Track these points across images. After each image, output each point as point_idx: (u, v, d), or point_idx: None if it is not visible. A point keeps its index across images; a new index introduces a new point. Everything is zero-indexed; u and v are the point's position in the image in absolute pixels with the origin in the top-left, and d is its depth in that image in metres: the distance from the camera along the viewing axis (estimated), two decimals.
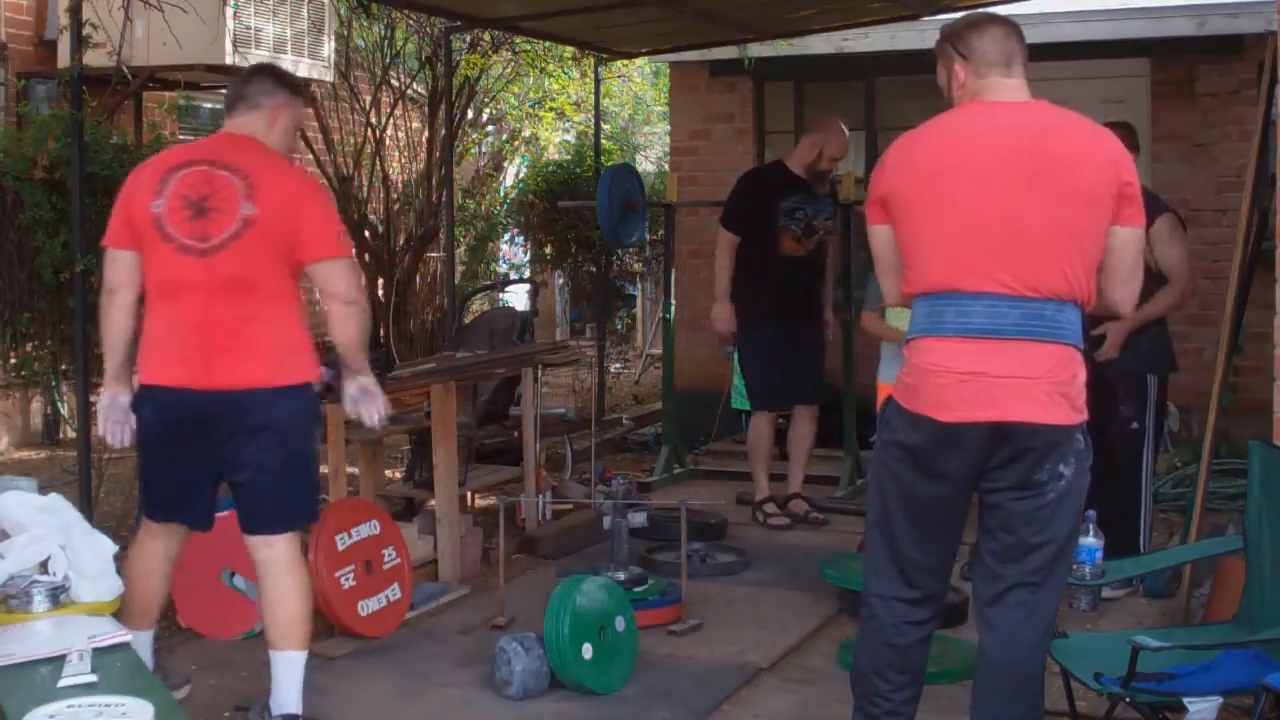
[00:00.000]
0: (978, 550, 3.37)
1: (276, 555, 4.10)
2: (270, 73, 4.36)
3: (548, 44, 10.57)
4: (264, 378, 4.00)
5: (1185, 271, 5.53)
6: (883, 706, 3.39)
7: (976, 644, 3.38)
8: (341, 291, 4.06)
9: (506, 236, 13.84)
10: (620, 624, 4.56)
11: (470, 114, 11.83)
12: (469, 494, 6.45)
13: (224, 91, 9.91)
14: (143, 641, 4.18)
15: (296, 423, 4.08)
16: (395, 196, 11.24)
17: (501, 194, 13.65)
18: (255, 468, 4.04)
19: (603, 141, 11.54)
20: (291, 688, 4.07)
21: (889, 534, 3.34)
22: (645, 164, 16.21)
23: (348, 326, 4.09)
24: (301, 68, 9.16)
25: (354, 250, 11.26)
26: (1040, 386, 3.13)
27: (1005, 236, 3.13)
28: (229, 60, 8.27)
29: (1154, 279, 5.52)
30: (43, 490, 3.06)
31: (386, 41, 10.88)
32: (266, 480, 4.06)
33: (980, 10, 3.46)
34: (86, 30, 5.50)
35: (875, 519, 3.39)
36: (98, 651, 2.56)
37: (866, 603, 3.43)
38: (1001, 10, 8.08)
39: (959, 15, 3.55)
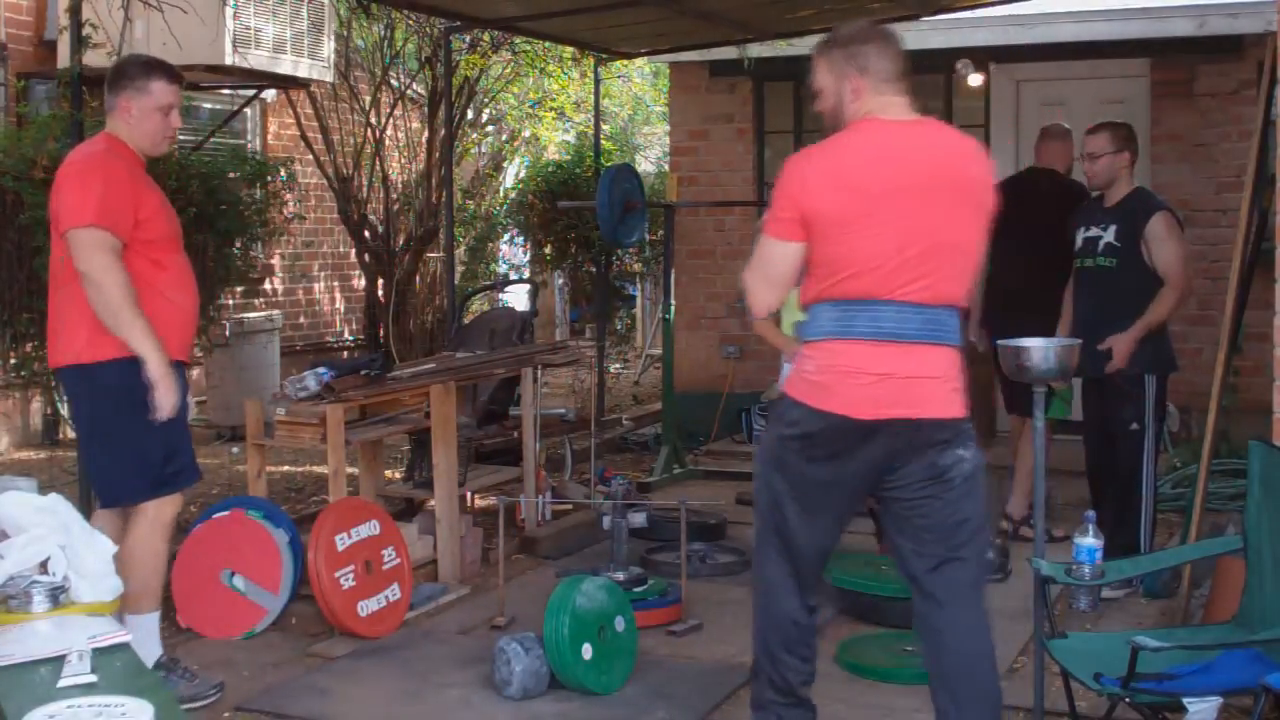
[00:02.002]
0: (900, 549, 3.52)
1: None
2: (112, 72, 4.45)
3: (548, 44, 10.57)
4: (71, 355, 4.28)
5: (1181, 270, 5.52)
6: (798, 678, 3.61)
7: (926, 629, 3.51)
8: (77, 263, 4.17)
9: (506, 237, 13.85)
10: (620, 624, 4.56)
11: (470, 114, 11.83)
12: (469, 494, 6.45)
13: (225, 92, 10.03)
14: (157, 621, 4.42)
15: (93, 400, 4.30)
16: (395, 196, 11.24)
17: (501, 194, 13.65)
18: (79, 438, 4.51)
19: (602, 141, 11.54)
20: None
21: (781, 523, 3.52)
22: (645, 164, 16.23)
23: (94, 304, 4.16)
24: (301, 68, 9.17)
25: (355, 251, 11.29)
26: (943, 385, 3.40)
27: (929, 252, 3.34)
28: (229, 60, 8.27)
29: (1154, 278, 5.52)
30: (43, 490, 3.06)
31: (386, 41, 10.89)
32: (80, 449, 4.47)
33: (856, 25, 3.61)
34: (86, 30, 5.50)
35: (766, 509, 3.57)
36: (98, 651, 2.56)
37: (763, 590, 3.61)
38: (1002, 11, 8.14)
39: (853, 24, 3.60)
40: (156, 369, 4.16)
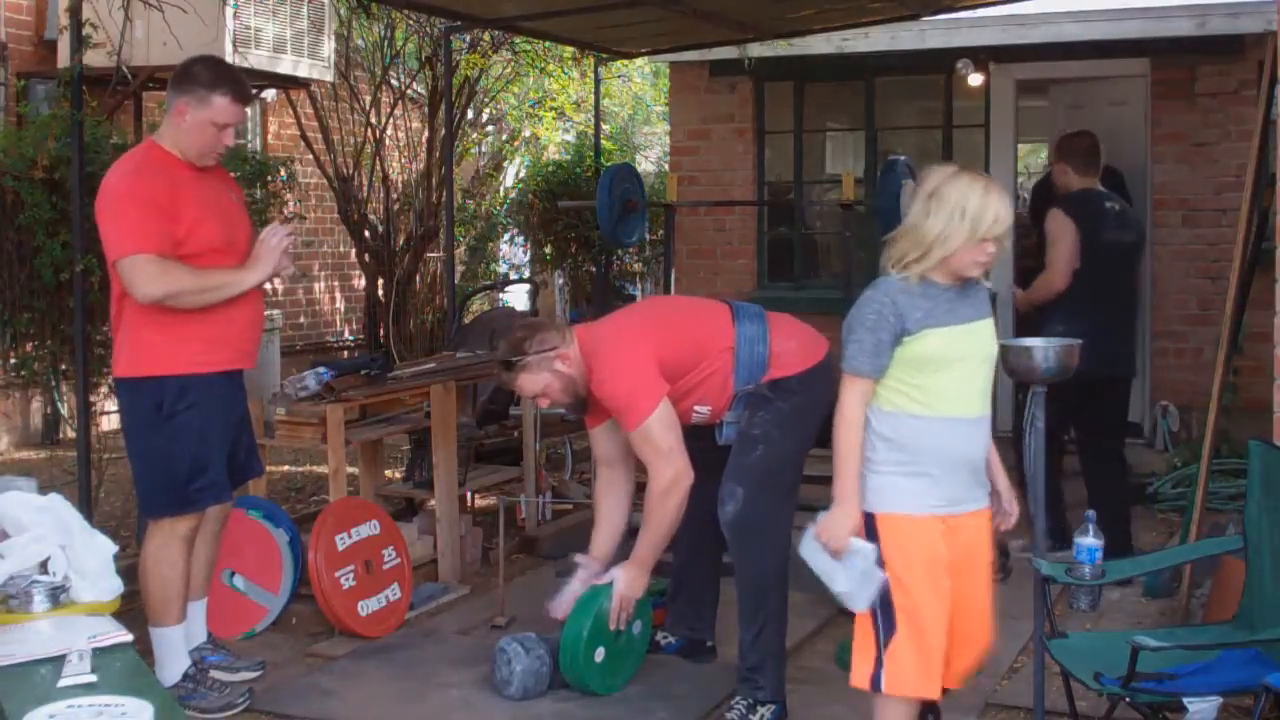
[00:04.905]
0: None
1: None
2: (180, 69, 4.36)
3: (548, 44, 10.57)
4: (118, 370, 4.36)
5: (1054, 260, 5.72)
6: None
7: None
8: (135, 294, 4.17)
9: (506, 236, 13.83)
10: (637, 628, 4.54)
11: (470, 114, 11.83)
12: (469, 494, 6.45)
13: None
14: (181, 635, 4.45)
15: (129, 414, 4.36)
16: (395, 196, 11.23)
17: (501, 194, 13.65)
18: None
19: (603, 141, 11.54)
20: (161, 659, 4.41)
21: (797, 475, 4.35)
22: (645, 164, 16.20)
23: (190, 309, 4.21)
24: (301, 67, 9.16)
25: (355, 251, 11.29)
26: None
27: None
28: (229, 60, 8.26)
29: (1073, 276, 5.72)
30: (43, 490, 3.06)
31: (386, 41, 10.88)
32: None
33: None
34: (86, 30, 5.49)
35: (792, 470, 4.32)
36: (98, 651, 2.56)
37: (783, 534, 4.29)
38: (1002, 11, 8.14)
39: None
40: (255, 278, 4.30)
